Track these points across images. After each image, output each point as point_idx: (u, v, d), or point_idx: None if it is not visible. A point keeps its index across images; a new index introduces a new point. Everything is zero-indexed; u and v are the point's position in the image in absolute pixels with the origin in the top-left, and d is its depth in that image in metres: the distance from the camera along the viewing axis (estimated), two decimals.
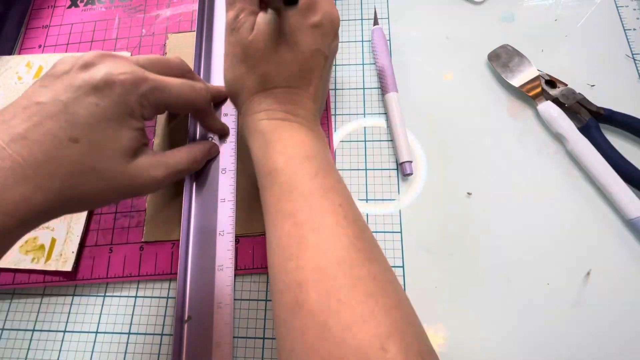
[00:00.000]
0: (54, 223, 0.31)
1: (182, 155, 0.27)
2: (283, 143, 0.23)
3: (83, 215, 0.31)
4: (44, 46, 0.39)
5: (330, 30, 0.25)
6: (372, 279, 0.19)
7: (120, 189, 0.23)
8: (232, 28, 0.25)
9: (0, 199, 0.19)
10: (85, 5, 0.41)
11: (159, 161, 0.25)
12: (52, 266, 0.30)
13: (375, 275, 0.19)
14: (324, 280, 0.18)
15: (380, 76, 0.34)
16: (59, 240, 0.30)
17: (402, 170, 0.31)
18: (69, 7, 0.41)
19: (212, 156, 0.30)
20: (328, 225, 0.20)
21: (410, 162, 0.30)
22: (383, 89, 0.34)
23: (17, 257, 0.30)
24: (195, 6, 0.38)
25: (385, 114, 0.33)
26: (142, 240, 0.31)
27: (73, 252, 0.30)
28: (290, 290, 0.19)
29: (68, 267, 0.29)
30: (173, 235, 0.30)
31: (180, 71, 0.27)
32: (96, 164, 0.21)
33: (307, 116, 0.25)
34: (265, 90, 0.25)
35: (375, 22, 0.36)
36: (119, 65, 0.22)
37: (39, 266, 0.30)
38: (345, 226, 0.20)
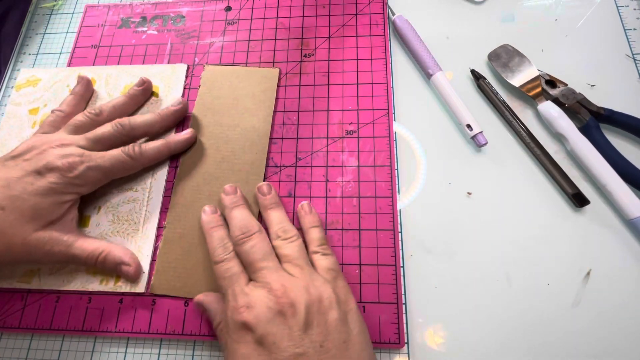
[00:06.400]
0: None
1: (95, 244, 0.28)
2: None
3: None
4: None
5: (314, 321, 0.22)
6: None
7: (17, 252, 0.26)
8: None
9: None
10: (137, 27, 0.38)
11: (64, 241, 0.27)
12: (123, 288, 0.28)
13: None
14: None
15: (419, 61, 0.34)
16: None
17: (477, 142, 0.30)
18: (120, 27, 0.39)
19: None
20: None
21: (482, 132, 0.31)
22: (426, 73, 0.33)
23: (84, 277, 0.29)
24: None
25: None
26: (150, 292, 0.28)
27: (144, 272, 0.29)
28: None
29: (141, 289, 0.28)
30: (183, 291, 0.28)
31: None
32: (7, 228, 0.25)
33: None
34: None
35: (392, 13, 0.36)
36: (64, 151, 0.27)
37: (109, 288, 0.28)
38: None
